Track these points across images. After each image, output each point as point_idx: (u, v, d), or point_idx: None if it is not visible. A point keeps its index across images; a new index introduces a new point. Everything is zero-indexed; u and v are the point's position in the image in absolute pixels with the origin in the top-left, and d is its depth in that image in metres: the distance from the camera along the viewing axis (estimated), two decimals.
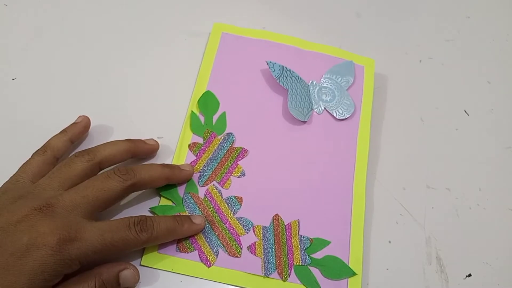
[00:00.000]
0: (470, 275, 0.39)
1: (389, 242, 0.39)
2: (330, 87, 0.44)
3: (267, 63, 0.42)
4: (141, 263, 0.34)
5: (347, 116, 0.43)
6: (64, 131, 0.37)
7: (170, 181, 0.36)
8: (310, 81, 0.44)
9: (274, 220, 0.38)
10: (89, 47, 0.45)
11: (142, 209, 0.37)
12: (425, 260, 0.39)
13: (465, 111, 0.48)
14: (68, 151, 0.37)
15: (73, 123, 0.38)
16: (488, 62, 0.52)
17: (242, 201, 0.38)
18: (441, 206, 0.41)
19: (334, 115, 0.43)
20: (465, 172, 0.44)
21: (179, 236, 0.34)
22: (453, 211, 0.42)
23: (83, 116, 0.39)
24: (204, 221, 0.35)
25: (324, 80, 0.44)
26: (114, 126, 0.41)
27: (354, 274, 0.36)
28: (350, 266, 0.36)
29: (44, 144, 0.36)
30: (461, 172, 0.44)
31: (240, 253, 0.36)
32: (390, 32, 0.52)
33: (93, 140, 0.40)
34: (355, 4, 0.53)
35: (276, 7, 0.51)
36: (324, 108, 0.43)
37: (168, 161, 0.39)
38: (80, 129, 0.38)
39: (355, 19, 0.52)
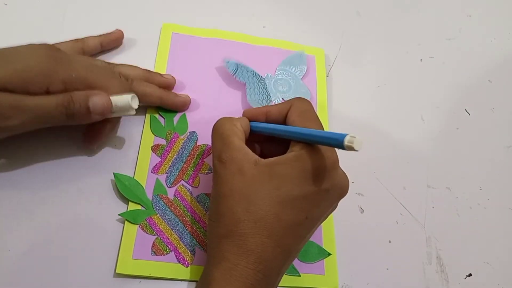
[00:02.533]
0: (470, 274, 0.39)
1: (389, 242, 0.39)
2: (285, 78, 0.45)
3: (223, 60, 0.43)
4: (116, 271, 0.33)
5: None
6: (99, 35, 0.41)
7: (164, 103, 0.39)
8: (266, 74, 0.44)
9: None
10: None
11: (110, 217, 0.35)
12: (425, 259, 0.39)
13: (466, 110, 0.48)
14: (96, 51, 0.41)
15: (108, 32, 0.42)
16: (489, 61, 0.51)
17: None
18: (442, 206, 0.41)
19: None
20: (465, 172, 0.44)
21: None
22: (454, 211, 0.41)
23: (118, 30, 0.43)
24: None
25: (279, 72, 0.45)
26: None
27: (329, 254, 0.37)
28: (324, 247, 0.37)
29: (81, 38, 0.40)
30: (462, 171, 0.44)
31: None
32: (391, 30, 0.51)
33: None
34: (355, 2, 0.52)
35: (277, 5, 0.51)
36: (282, 98, 0.44)
37: (131, 167, 0.37)
38: (112, 39, 0.42)
39: (355, 18, 0.51)
